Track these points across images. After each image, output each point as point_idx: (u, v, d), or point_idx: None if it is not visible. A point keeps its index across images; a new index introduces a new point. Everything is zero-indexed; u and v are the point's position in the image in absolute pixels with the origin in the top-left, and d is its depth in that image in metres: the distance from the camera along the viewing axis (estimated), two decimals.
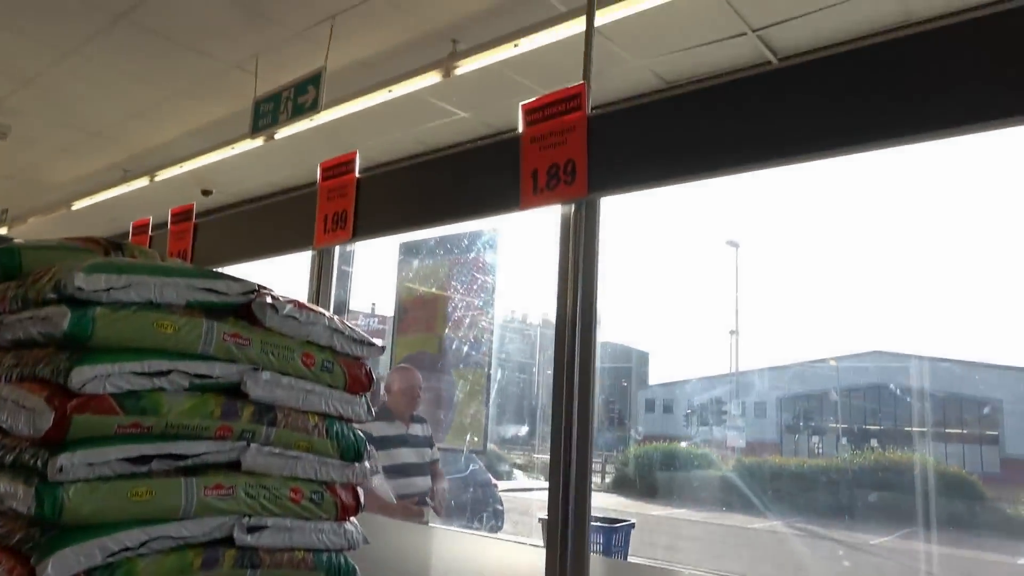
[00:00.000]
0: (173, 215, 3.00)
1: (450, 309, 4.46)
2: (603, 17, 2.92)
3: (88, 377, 1.41)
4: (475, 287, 4.31)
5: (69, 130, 5.44)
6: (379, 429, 3.75)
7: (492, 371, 4.19)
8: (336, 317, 1.85)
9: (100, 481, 1.41)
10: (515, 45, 3.14)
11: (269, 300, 1.70)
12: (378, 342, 1.95)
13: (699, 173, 1.58)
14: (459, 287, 4.50)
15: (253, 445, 1.61)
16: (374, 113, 4.30)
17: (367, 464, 1.84)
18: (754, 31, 3.20)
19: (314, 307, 1.82)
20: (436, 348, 4.46)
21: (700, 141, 1.61)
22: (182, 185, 6.06)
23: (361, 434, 1.83)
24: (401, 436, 3.87)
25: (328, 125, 4.24)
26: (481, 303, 4.46)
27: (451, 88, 3.90)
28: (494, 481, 9.50)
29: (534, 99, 1.83)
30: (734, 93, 1.62)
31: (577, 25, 2.99)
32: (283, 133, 3.87)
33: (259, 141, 4.37)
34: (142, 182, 5.82)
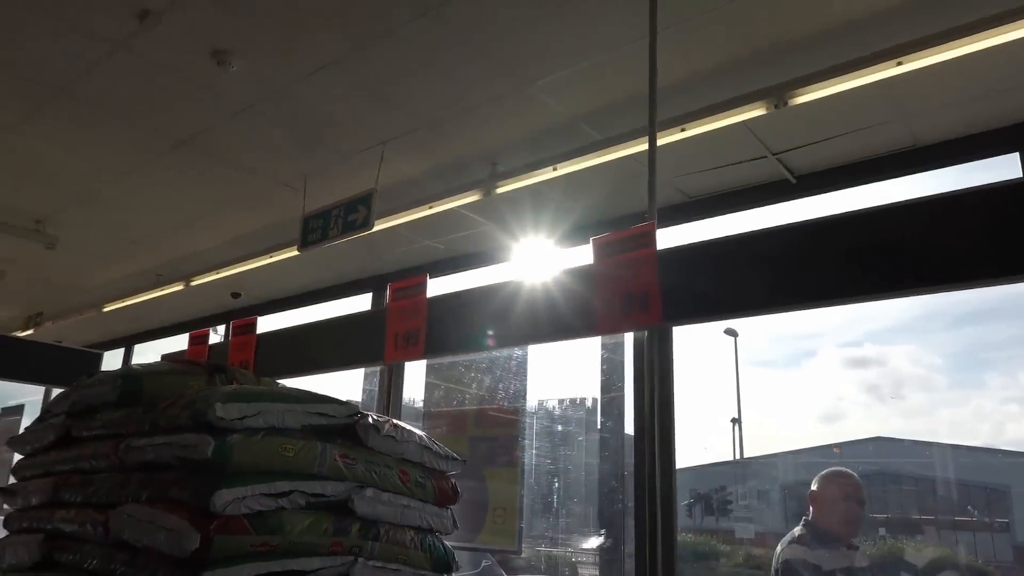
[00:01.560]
0: (235, 328, 3.18)
1: (480, 408, 4.54)
2: (640, 146, 3.22)
3: (228, 500, 1.55)
4: (507, 386, 4.43)
5: (111, 240, 5.70)
6: (821, 559, 2.89)
7: (524, 470, 4.23)
8: (425, 434, 2.01)
9: None
10: (553, 169, 3.42)
11: (371, 421, 1.86)
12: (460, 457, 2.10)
13: (759, 309, 1.78)
14: (489, 385, 4.60)
15: (360, 560, 1.74)
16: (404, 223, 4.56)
17: (455, 575, 1.96)
18: (773, 154, 3.49)
19: (407, 426, 1.98)
20: (465, 448, 4.52)
21: (759, 280, 1.81)
22: (211, 288, 6.27)
23: (449, 546, 1.95)
24: (849, 570, 2.95)
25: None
26: (512, 401, 4.54)
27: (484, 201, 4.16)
28: None
29: (605, 235, 2.05)
30: (783, 239, 1.83)
31: (613, 153, 3.28)
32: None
33: (296, 250, 4.59)
34: (176, 287, 6.04)
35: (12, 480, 2.27)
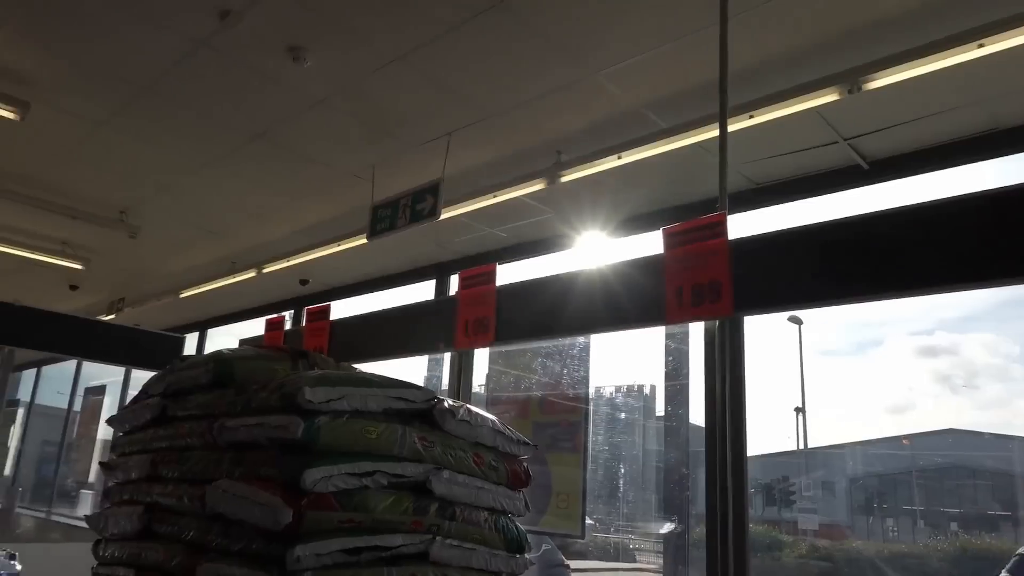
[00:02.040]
0: (310, 314, 3.31)
1: (543, 394, 4.57)
2: (706, 134, 3.20)
3: (316, 478, 1.64)
4: (570, 372, 4.46)
5: (188, 229, 5.95)
6: None
7: (587, 456, 4.27)
8: (497, 419, 2.07)
9: (324, 570, 1.62)
10: (618, 157, 3.43)
11: (447, 406, 1.93)
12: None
13: (837, 299, 1.77)
14: (553, 371, 4.61)
15: (438, 538, 1.80)
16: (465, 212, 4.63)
17: (527, 556, 2.02)
18: (845, 140, 3.42)
19: (480, 411, 2.04)
20: (529, 434, 4.55)
21: (833, 270, 1.80)
22: (281, 275, 6.49)
23: (522, 528, 2.01)
24: None
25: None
26: (574, 387, 4.56)
27: (548, 190, 4.20)
28: (566, 561, 9.48)
29: (676, 224, 2.07)
30: (858, 228, 1.81)
31: (679, 140, 3.27)
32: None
33: (364, 238, 4.72)
34: (248, 274, 6.28)
35: (111, 456, 2.42)
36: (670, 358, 4.02)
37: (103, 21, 3.33)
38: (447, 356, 3.35)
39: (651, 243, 4.90)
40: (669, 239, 2.08)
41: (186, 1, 3.12)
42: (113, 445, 2.39)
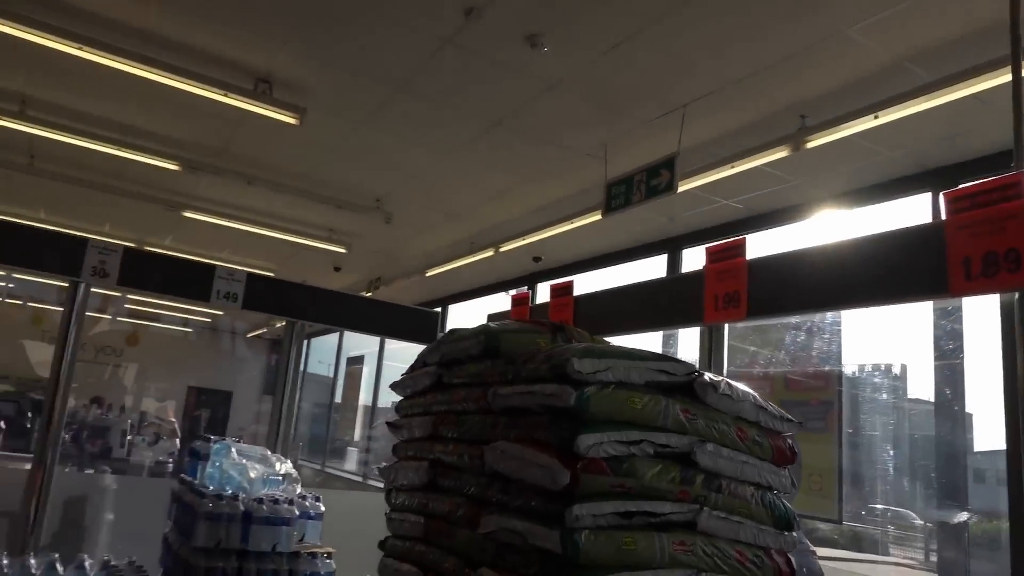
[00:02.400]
0: (553, 289, 3.47)
1: (789, 371, 4.40)
2: (983, 83, 2.85)
3: (589, 444, 1.73)
4: (820, 348, 4.23)
5: (432, 213, 6.47)
6: None
7: (841, 436, 4.04)
8: (758, 395, 2.04)
9: (600, 530, 1.72)
10: (874, 117, 3.16)
11: (708, 379, 1.94)
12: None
13: None
14: (800, 346, 4.42)
15: (705, 509, 1.83)
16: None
17: (796, 534, 1.98)
18: None
19: (740, 385, 2.03)
20: None
21: None
22: (516, 254, 6.83)
23: (790, 506, 1.98)
24: None
25: None
26: (826, 363, 4.34)
27: (790, 157, 3.99)
28: (812, 547, 9.00)
29: (959, 188, 1.88)
30: None
31: (949, 94, 2.94)
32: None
33: (596, 216, 4.81)
34: (486, 253, 6.68)
35: (396, 417, 2.72)
36: (943, 337, 3.64)
37: (363, 29, 3.71)
38: (682, 332, 3.33)
39: (907, 209, 4.47)
40: (952, 204, 1.89)
41: (434, 1, 3.38)
42: (396, 408, 2.71)
